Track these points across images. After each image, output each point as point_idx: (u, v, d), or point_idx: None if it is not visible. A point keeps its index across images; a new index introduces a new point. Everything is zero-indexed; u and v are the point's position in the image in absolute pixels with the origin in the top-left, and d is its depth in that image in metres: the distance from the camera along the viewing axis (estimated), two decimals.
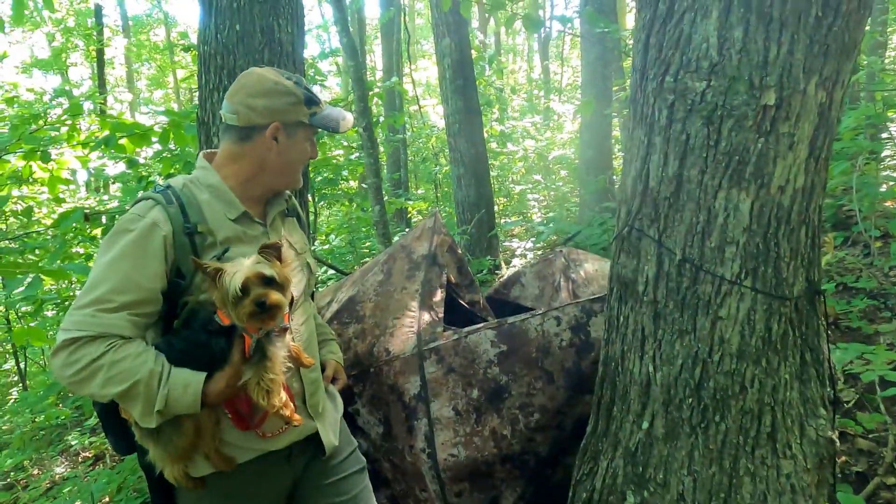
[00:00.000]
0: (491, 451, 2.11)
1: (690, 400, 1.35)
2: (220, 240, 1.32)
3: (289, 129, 1.40)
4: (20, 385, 5.95)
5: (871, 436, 2.45)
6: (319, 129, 1.47)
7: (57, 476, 4.49)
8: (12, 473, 4.72)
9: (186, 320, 1.29)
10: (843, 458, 2.40)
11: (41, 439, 4.93)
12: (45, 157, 4.06)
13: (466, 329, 2.26)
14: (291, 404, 1.31)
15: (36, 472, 4.83)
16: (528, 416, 2.13)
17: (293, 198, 1.61)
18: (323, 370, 1.63)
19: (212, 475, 1.34)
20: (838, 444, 1.41)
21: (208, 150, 1.48)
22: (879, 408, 2.50)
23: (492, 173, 7.76)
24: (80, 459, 4.88)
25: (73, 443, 5.02)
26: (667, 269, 1.36)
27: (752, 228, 1.28)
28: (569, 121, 9.79)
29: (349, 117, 1.49)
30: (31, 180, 4.45)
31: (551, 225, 4.21)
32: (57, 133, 4.20)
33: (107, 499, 3.46)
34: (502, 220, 7.56)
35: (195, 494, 1.35)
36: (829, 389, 1.44)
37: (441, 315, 2.41)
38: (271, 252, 1.28)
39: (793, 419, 1.36)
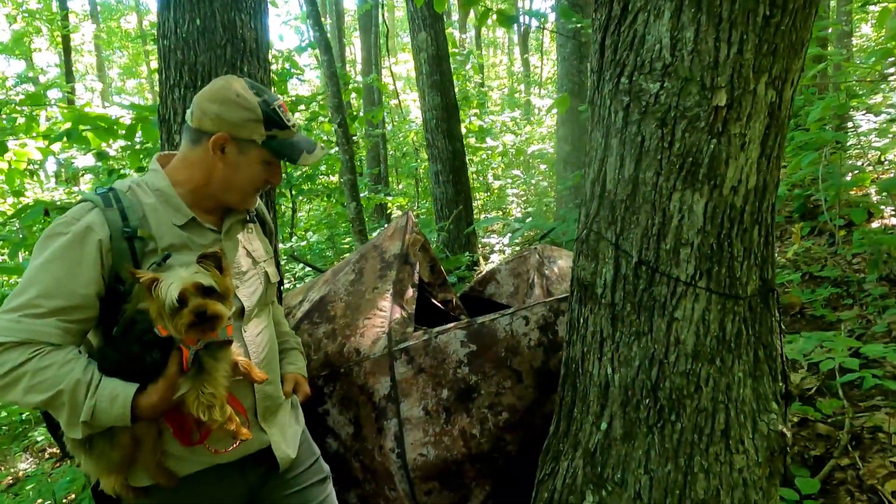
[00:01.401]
0: (460, 451, 2.12)
1: (647, 400, 1.36)
2: (163, 246, 1.27)
3: (240, 145, 1.33)
4: None
5: (829, 420, 2.52)
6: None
7: (20, 473, 4.41)
8: None
9: (125, 329, 1.23)
10: (803, 443, 2.46)
11: (4, 435, 4.82)
12: (2, 150, 3.92)
13: (436, 329, 2.26)
14: (237, 418, 1.26)
15: None
16: (497, 415, 2.14)
17: (259, 203, 1.55)
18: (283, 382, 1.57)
19: (155, 486, 1.29)
20: (789, 436, 1.43)
21: (164, 153, 1.44)
22: (838, 393, 2.57)
23: (471, 169, 7.75)
24: (46, 456, 4.79)
25: (38, 439, 4.92)
26: (624, 272, 1.37)
27: (706, 229, 1.29)
28: (548, 115, 9.82)
29: (317, 153, 1.42)
30: None
31: (527, 221, 4.22)
32: (13, 125, 4.06)
33: (72, 496, 3.39)
34: (482, 216, 7.56)
35: None
36: (781, 384, 1.46)
37: (412, 315, 2.40)
38: (210, 261, 1.22)
39: (745, 415, 1.38)
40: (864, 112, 4.88)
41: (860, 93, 3.89)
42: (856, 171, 4.01)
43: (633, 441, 1.38)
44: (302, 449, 1.56)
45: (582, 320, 1.49)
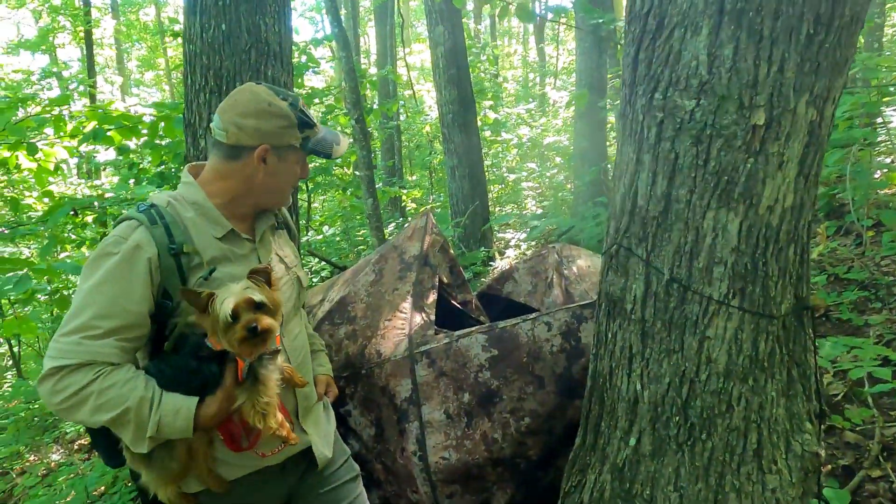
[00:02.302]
0: (482, 455, 2.13)
1: (677, 418, 1.36)
2: (207, 260, 1.30)
3: (279, 152, 1.36)
4: (15, 370, 5.95)
5: (857, 428, 2.48)
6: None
7: (52, 463, 4.53)
8: (6, 462, 4.75)
9: (176, 344, 1.28)
10: (830, 451, 2.43)
11: (36, 426, 4.95)
12: (32, 150, 4.01)
13: (458, 333, 2.26)
14: (288, 424, 1.32)
15: (32, 458, 4.87)
16: (518, 420, 2.14)
17: (283, 209, 1.58)
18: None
19: (205, 491, 1.34)
20: (823, 455, 1.42)
21: (194, 164, 1.45)
22: (867, 402, 2.53)
23: (485, 162, 7.71)
24: (75, 447, 4.92)
25: (68, 430, 5.05)
26: (654, 289, 1.35)
27: (740, 248, 1.27)
28: (563, 107, 9.72)
29: (344, 143, 1.46)
30: (17, 170, 4.39)
31: (543, 220, 4.20)
32: (41, 126, 4.13)
33: (102, 488, 3.48)
34: (496, 209, 7.53)
35: None
36: (815, 404, 1.45)
37: (433, 317, 2.41)
38: (260, 277, 1.27)
39: (778, 435, 1.36)
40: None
41: (891, 89, 3.78)
42: (885, 170, 3.91)
43: (663, 458, 1.38)
44: (335, 448, 1.61)
45: (610, 335, 1.48)
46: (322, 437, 1.55)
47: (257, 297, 1.21)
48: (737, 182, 1.25)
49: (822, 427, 1.43)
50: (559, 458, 2.24)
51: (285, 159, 1.37)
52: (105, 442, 1.32)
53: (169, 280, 1.25)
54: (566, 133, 8.88)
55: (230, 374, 1.25)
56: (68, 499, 3.37)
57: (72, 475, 3.82)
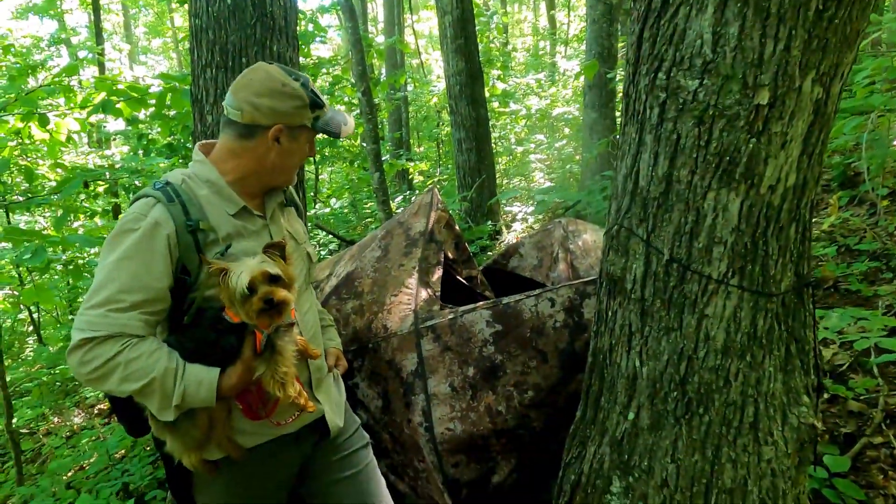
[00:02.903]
0: (486, 426, 2.19)
1: (675, 393, 1.39)
2: (222, 236, 1.35)
3: (292, 132, 1.40)
4: (36, 336, 6.11)
5: (862, 398, 2.50)
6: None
7: (75, 426, 4.70)
8: (33, 423, 4.94)
9: (195, 317, 1.33)
10: (833, 420, 2.47)
11: (58, 391, 5.12)
12: (44, 121, 4.04)
13: (462, 308, 2.30)
14: (305, 393, 1.38)
15: (56, 420, 5.05)
16: (522, 393, 2.19)
17: (290, 187, 1.62)
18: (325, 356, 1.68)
19: (224, 458, 1.41)
20: (820, 426, 1.45)
21: (205, 142, 1.49)
22: (873, 371, 2.54)
23: (493, 134, 7.62)
24: (95, 412, 5.09)
25: (87, 396, 5.22)
26: (654, 269, 1.37)
27: (740, 228, 1.28)
28: (573, 77, 9.53)
29: (350, 122, 1.50)
30: (30, 139, 4.44)
31: (551, 194, 4.18)
32: (52, 95, 4.15)
33: (122, 451, 3.62)
34: (504, 182, 7.49)
35: (211, 480, 1.42)
36: (813, 378, 1.47)
37: (438, 292, 2.44)
38: (275, 251, 1.32)
39: (775, 409, 1.40)
40: None
41: None
42: None
43: (661, 431, 1.42)
44: (346, 417, 1.69)
45: (610, 313, 1.51)
46: (334, 406, 1.63)
47: (273, 270, 1.26)
48: (738, 162, 1.24)
49: (820, 400, 1.45)
50: (562, 430, 2.30)
51: (297, 139, 1.42)
52: (128, 413, 1.39)
53: (187, 256, 1.30)
54: (576, 103, 8.75)
55: (249, 346, 1.30)
56: (92, 460, 3.51)
57: (94, 438, 3.98)
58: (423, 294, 2.39)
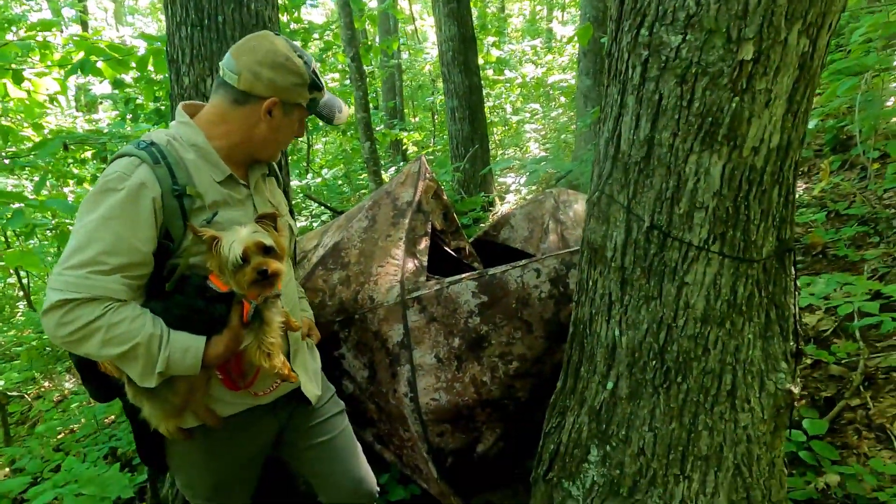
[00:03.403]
0: (472, 397, 2.19)
1: (654, 362, 1.37)
2: (208, 203, 1.32)
3: (286, 108, 1.37)
4: (26, 300, 6.08)
5: (843, 361, 2.51)
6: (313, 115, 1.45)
7: (66, 391, 4.73)
8: (21, 386, 4.95)
9: (178, 284, 1.30)
10: (814, 385, 2.48)
11: (48, 356, 5.12)
12: (18, 78, 3.90)
13: (448, 279, 2.28)
14: (289, 363, 1.38)
15: (47, 384, 5.07)
16: (507, 364, 2.19)
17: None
18: None
19: (200, 427, 1.40)
20: (797, 392, 1.44)
21: (190, 103, 1.44)
22: (855, 335, 2.55)
23: (487, 103, 7.49)
24: None
25: None
26: (635, 236, 1.33)
27: (722, 193, 1.24)
28: (570, 45, 9.32)
29: (346, 111, 1.48)
30: (5, 99, 4.30)
31: (542, 164, 4.10)
32: (26, 53, 4.00)
33: (112, 417, 3.64)
34: (499, 152, 7.39)
35: (184, 444, 1.42)
36: (791, 343, 1.46)
37: (425, 263, 2.41)
38: (269, 221, 1.31)
39: (753, 376, 1.38)
40: None
41: None
42: None
43: (639, 400, 1.40)
44: (322, 385, 1.69)
45: (591, 283, 1.48)
46: (311, 375, 1.63)
47: (267, 241, 1.25)
48: (721, 123, 1.20)
49: (799, 366, 1.44)
50: (546, 399, 2.30)
51: (289, 115, 1.40)
52: (91, 375, 1.35)
53: (171, 221, 1.26)
54: (572, 71, 8.57)
55: (236, 315, 1.28)
56: (81, 423, 3.54)
57: (84, 403, 4.00)
58: (410, 265, 2.36)
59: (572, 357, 1.59)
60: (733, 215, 1.26)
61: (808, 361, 2.56)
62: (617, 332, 1.41)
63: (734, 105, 1.18)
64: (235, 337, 1.29)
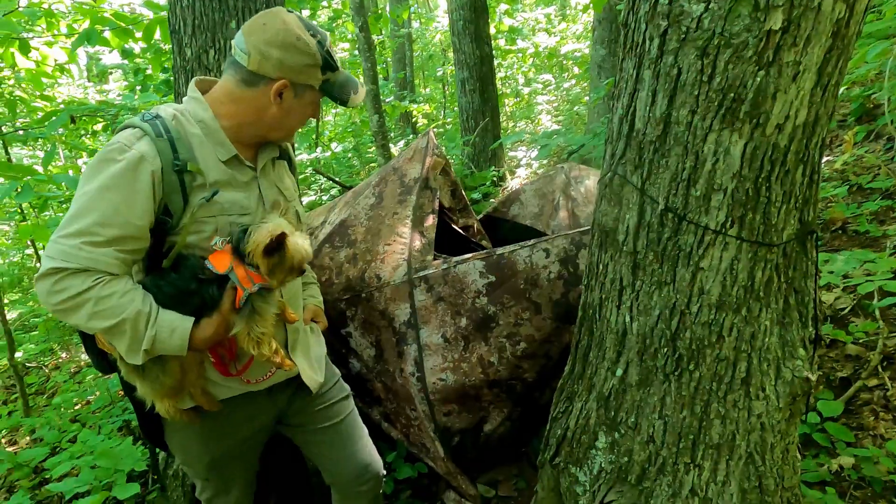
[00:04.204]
0: (478, 377, 2.17)
1: (665, 349, 1.33)
2: (210, 181, 1.28)
3: (297, 90, 1.31)
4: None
5: (861, 341, 2.45)
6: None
7: (82, 362, 4.81)
8: (39, 357, 5.04)
9: (175, 263, 1.28)
10: (830, 364, 2.42)
11: (64, 327, 5.19)
12: (25, 48, 3.85)
13: (456, 259, 2.24)
14: (282, 351, 1.36)
15: (64, 355, 5.16)
16: (514, 344, 2.16)
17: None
18: None
19: (194, 408, 1.40)
20: (814, 379, 1.39)
21: (203, 78, 1.39)
22: (874, 314, 2.47)
23: (499, 74, 7.30)
24: None
25: None
26: (648, 219, 1.27)
27: (742, 174, 1.17)
28: (584, 13, 9.02)
29: (362, 92, 1.40)
30: (13, 69, 4.26)
31: (554, 138, 3.99)
32: (32, 21, 3.95)
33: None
34: (509, 125, 7.23)
35: (181, 425, 1.41)
36: (810, 330, 1.40)
37: (432, 242, 2.37)
38: (294, 217, 1.36)
39: (769, 363, 1.33)
40: None
41: None
42: None
43: (649, 388, 1.37)
44: (326, 371, 1.66)
45: (601, 266, 1.42)
46: (313, 363, 1.60)
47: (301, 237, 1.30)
48: (744, 99, 1.12)
49: (816, 352, 1.39)
50: (554, 380, 2.27)
51: (301, 97, 1.34)
52: (94, 346, 1.34)
53: (170, 197, 1.23)
54: (586, 40, 8.32)
55: (228, 300, 1.26)
56: (96, 395, 3.60)
57: (98, 375, 4.06)
58: (417, 243, 2.32)
59: (581, 342, 1.55)
60: (753, 197, 1.19)
61: (826, 341, 2.50)
62: (627, 318, 1.36)
63: (759, 79, 1.10)
64: (224, 322, 1.26)
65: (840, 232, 3.19)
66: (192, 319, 1.23)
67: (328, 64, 1.32)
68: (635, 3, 1.22)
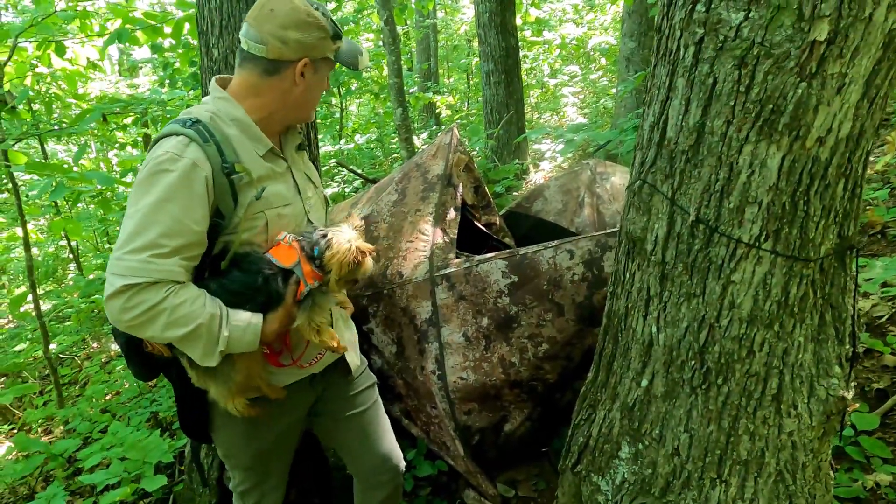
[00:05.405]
0: (499, 377, 2.16)
1: (693, 362, 1.30)
2: (255, 178, 1.31)
3: (316, 65, 1.33)
4: (75, 262, 6.31)
5: None
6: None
7: (112, 353, 4.95)
8: (73, 348, 5.19)
9: (233, 262, 1.31)
10: (865, 375, 2.35)
11: (96, 318, 5.33)
12: (61, 50, 3.97)
13: (478, 258, 2.23)
14: (337, 336, 1.42)
15: (95, 345, 5.30)
16: (536, 346, 2.14)
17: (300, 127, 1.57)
18: None
19: (256, 399, 1.43)
20: (850, 398, 1.35)
21: (221, 77, 1.40)
22: None
23: (524, 66, 7.19)
24: None
25: None
26: (678, 230, 1.24)
27: (779, 187, 1.13)
28: (610, 2, 8.82)
29: (365, 53, 1.42)
30: (50, 70, 4.39)
31: (581, 132, 3.93)
32: (67, 22, 4.07)
33: (154, 381, 3.80)
34: (534, 117, 7.14)
35: (228, 415, 1.42)
36: (847, 347, 1.36)
37: (454, 240, 2.36)
38: (360, 226, 1.42)
39: (802, 380, 1.30)
40: None
41: None
42: None
43: (675, 400, 1.34)
44: (358, 356, 1.71)
45: (628, 275, 1.40)
46: (350, 346, 1.64)
47: (367, 248, 1.38)
48: (783, 111, 1.08)
49: (853, 369, 1.34)
50: (576, 382, 2.26)
51: (319, 72, 1.36)
52: (136, 356, 1.38)
53: (222, 199, 1.26)
54: (615, 31, 8.14)
55: (291, 294, 1.30)
56: (125, 386, 3.70)
57: (126, 371, 4.17)
58: (439, 241, 2.31)
59: (605, 350, 1.53)
60: (790, 211, 1.15)
61: (860, 351, 2.42)
62: (654, 329, 1.34)
63: (800, 91, 1.06)
64: (289, 314, 1.31)
65: (879, 236, 3.09)
66: (261, 315, 1.27)
67: (337, 33, 1.35)
68: (670, 9, 1.18)
